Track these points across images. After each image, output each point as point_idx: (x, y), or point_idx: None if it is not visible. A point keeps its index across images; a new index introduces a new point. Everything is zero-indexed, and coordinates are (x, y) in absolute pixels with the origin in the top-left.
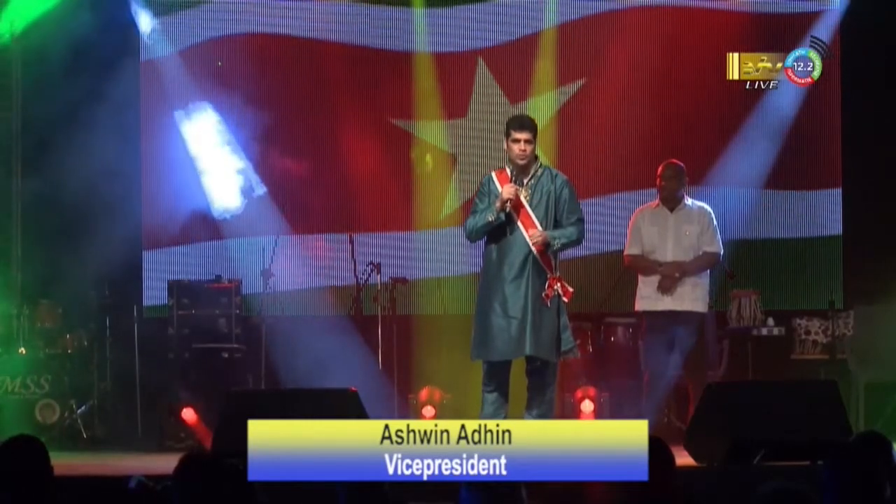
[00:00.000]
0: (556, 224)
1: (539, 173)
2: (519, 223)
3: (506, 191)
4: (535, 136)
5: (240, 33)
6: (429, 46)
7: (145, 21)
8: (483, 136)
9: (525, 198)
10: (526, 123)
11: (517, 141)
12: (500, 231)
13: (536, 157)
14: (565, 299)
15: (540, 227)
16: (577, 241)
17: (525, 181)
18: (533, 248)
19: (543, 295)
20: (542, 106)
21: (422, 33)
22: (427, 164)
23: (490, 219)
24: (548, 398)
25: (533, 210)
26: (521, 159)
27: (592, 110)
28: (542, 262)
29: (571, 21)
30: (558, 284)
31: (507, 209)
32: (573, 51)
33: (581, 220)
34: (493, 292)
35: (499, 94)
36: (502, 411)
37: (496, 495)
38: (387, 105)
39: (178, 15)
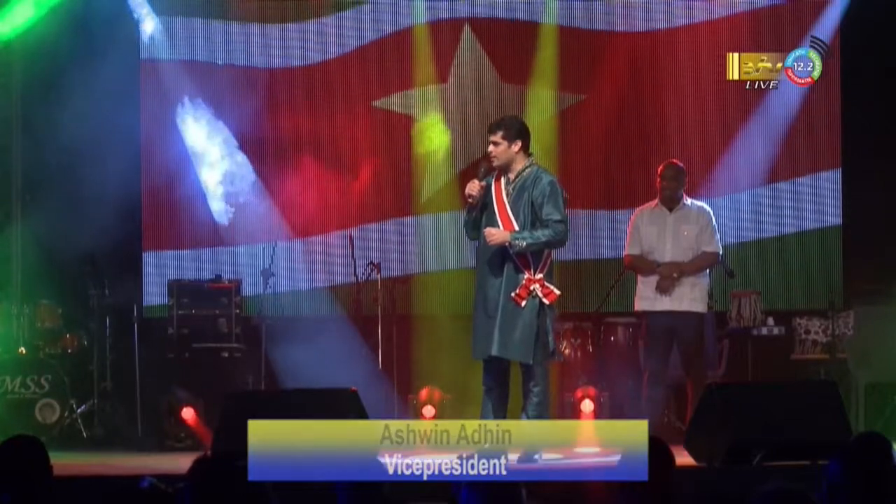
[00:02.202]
0: (536, 224)
1: (525, 173)
2: (499, 222)
3: (467, 187)
4: (507, 135)
5: (240, 63)
6: (423, 18)
7: (147, 21)
8: (466, 103)
9: (507, 197)
10: (492, 126)
11: (488, 143)
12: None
13: (530, 155)
14: (546, 301)
15: (516, 226)
16: (550, 243)
17: (511, 179)
18: (510, 249)
19: (514, 295)
20: (537, 101)
21: (420, 8)
22: (429, 137)
23: (465, 216)
24: (537, 400)
25: (511, 210)
26: (492, 160)
27: (592, 122)
28: (518, 262)
29: (572, 27)
30: (536, 286)
31: (472, 204)
32: (573, 59)
33: (560, 222)
34: (479, 291)
35: (488, 66)
36: (502, 411)
37: (496, 495)
38: (385, 86)
39: (180, 19)
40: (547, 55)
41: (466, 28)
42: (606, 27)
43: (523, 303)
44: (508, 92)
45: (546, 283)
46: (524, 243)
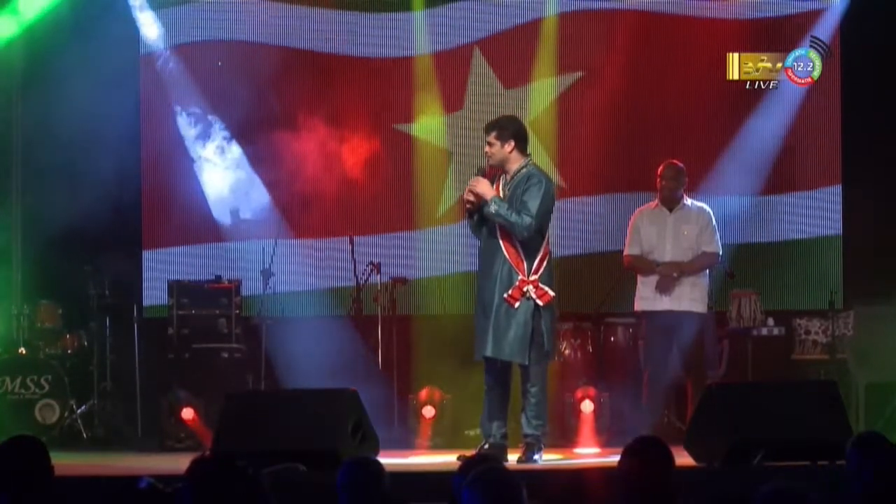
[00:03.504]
0: None
1: (520, 174)
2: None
3: (464, 193)
4: (500, 135)
5: (241, 39)
6: (428, 47)
7: (149, 26)
8: (479, 127)
9: (503, 198)
10: (487, 127)
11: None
12: (484, 232)
13: (527, 156)
14: (540, 303)
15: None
16: (513, 226)
17: (508, 179)
18: (499, 235)
19: (507, 296)
20: (539, 92)
21: (422, 35)
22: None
23: (468, 220)
24: (535, 401)
25: None
26: (488, 161)
27: (591, 106)
28: (513, 264)
29: (572, 12)
30: (530, 287)
31: (471, 209)
32: (572, 41)
33: (529, 217)
34: (479, 292)
35: (494, 80)
36: (502, 411)
37: (496, 495)
38: (388, 110)
39: (177, 9)
40: (548, 45)
41: (476, 52)
42: (606, 5)
43: (516, 304)
44: (511, 96)
45: (540, 285)
46: (495, 209)
